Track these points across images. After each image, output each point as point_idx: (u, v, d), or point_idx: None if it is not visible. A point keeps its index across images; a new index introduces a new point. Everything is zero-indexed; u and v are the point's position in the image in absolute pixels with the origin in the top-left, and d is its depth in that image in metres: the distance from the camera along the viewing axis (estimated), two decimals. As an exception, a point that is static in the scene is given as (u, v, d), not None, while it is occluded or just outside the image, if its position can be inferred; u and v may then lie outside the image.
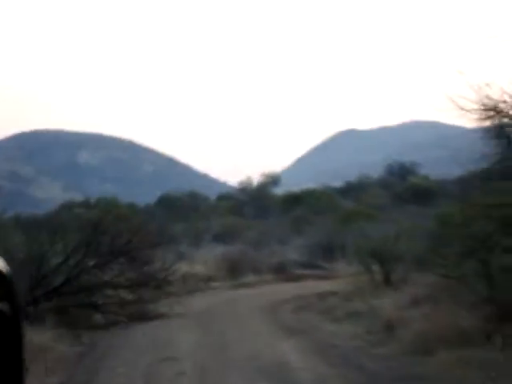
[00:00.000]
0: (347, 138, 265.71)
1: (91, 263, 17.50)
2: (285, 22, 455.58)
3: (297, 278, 27.37)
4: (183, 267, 24.27)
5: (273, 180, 69.62)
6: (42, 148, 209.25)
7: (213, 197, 70.34)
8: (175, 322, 16.73)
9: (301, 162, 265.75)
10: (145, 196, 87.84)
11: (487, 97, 11.38)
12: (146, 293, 18.34)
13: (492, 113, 11.55)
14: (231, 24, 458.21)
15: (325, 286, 22.24)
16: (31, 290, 15.45)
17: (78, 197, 78.86)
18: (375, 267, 19.98)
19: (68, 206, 52.75)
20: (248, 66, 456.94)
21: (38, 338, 11.86)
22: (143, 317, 17.45)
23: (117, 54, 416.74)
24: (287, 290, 23.03)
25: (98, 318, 17.18)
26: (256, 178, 68.50)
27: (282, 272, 28.60)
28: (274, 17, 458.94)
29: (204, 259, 29.32)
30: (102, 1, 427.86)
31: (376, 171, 75.34)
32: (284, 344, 12.85)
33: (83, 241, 17.36)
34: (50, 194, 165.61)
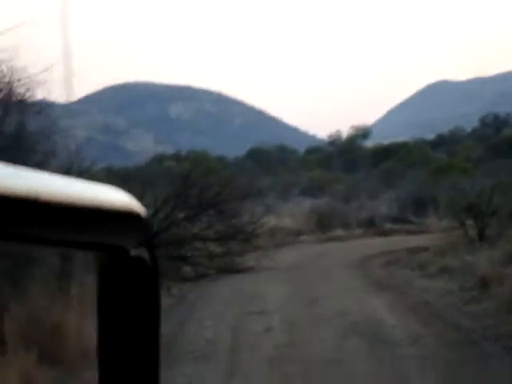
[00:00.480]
0: (440, 90, 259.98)
1: (181, 216, 17.53)
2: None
3: (386, 233, 26.92)
4: (271, 221, 24.17)
5: (363, 133, 68.88)
6: (133, 100, 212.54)
7: (302, 150, 70.03)
8: (263, 275, 16.64)
9: (392, 114, 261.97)
10: (234, 149, 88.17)
11: None
12: (234, 246, 18.32)
13: None
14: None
15: (416, 240, 21.75)
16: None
17: (168, 149, 79.89)
18: (469, 222, 19.37)
19: (159, 159, 53.37)
20: (338, 18, 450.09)
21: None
22: (231, 270, 17.45)
23: (205, 5, 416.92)
24: (377, 244, 22.66)
25: (187, 270, 17.26)
26: (346, 131, 67.88)
27: (372, 226, 28.18)
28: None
29: (292, 213, 29.13)
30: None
31: (470, 123, 73.47)
32: (374, 300, 12.56)
33: (173, 193, 17.38)
34: (141, 147, 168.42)
